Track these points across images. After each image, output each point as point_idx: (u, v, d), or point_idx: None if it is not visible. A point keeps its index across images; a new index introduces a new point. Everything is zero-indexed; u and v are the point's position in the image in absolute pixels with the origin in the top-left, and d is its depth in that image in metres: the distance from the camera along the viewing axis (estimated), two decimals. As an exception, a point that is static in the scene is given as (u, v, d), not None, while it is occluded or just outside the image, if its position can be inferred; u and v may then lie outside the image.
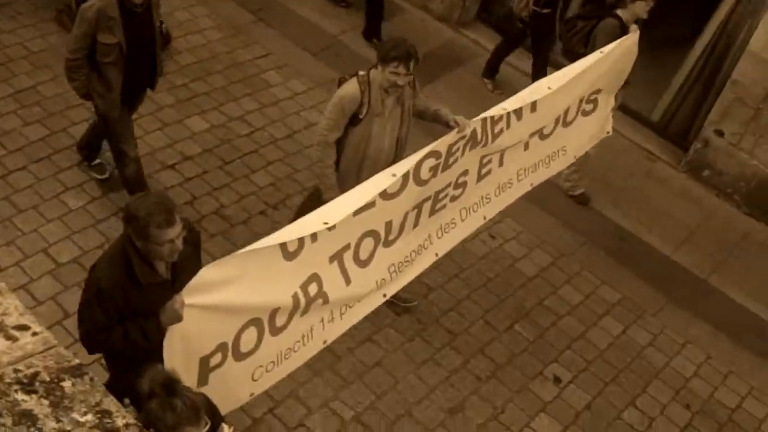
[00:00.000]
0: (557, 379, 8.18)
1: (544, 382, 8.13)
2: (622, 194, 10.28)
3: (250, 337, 5.63)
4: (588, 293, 9.05)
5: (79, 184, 8.54)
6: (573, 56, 9.26)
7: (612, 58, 8.18)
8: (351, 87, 7.03)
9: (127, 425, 3.59)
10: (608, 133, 8.92)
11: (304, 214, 7.37)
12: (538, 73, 10.63)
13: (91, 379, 3.77)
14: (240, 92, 10.01)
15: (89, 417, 3.60)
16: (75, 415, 3.59)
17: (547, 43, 10.78)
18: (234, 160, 9.18)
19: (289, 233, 5.61)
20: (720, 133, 10.49)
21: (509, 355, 8.24)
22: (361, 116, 7.04)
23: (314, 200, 7.29)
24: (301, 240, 5.60)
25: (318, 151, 7.22)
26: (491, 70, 11.24)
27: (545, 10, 10.34)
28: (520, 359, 8.23)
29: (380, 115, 7.09)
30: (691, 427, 8.18)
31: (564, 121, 8.08)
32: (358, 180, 6.72)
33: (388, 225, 6.62)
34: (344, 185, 6.88)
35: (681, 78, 10.99)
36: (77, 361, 3.83)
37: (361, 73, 7.07)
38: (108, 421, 3.61)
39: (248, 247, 5.33)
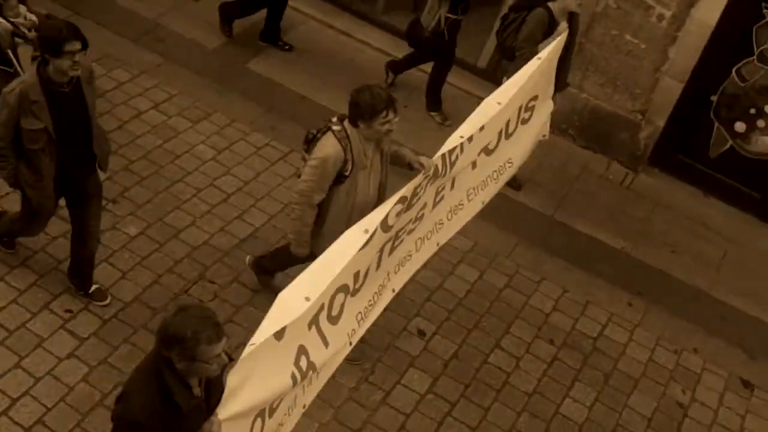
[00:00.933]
0: (421, 333, 8.22)
1: (410, 338, 8.16)
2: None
3: (256, 430, 5.38)
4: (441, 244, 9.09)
5: None
6: (505, 50, 9.34)
7: (547, 62, 8.23)
8: (332, 148, 6.69)
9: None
10: (544, 137, 8.98)
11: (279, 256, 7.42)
12: (441, 80, 10.67)
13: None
14: (63, 89, 9.70)
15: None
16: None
17: (453, 49, 10.57)
18: (66, 158, 8.90)
19: (276, 321, 5.29)
20: (548, 71, 10.66)
21: (371, 315, 8.23)
22: (346, 173, 6.77)
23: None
24: None
25: (299, 211, 6.91)
26: (435, 102, 10.85)
27: (461, 17, 10.18)
28: (383, 318, 8.14)
29: (364, 168, 6.83)
30: (557, 360, 8.34)
31: (506, 133, 7.97)
32: None
33: (357, 275, 6.41)
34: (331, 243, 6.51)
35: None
36: None
37: (335, 128, 6.73)
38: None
39: (251, 346, 5.04)
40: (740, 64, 10.21)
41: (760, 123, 10.38)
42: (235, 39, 11.10)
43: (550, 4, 8.91)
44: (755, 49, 10.07)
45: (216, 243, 8.56)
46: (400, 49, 11.05)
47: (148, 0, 11.32)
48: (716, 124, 10.54)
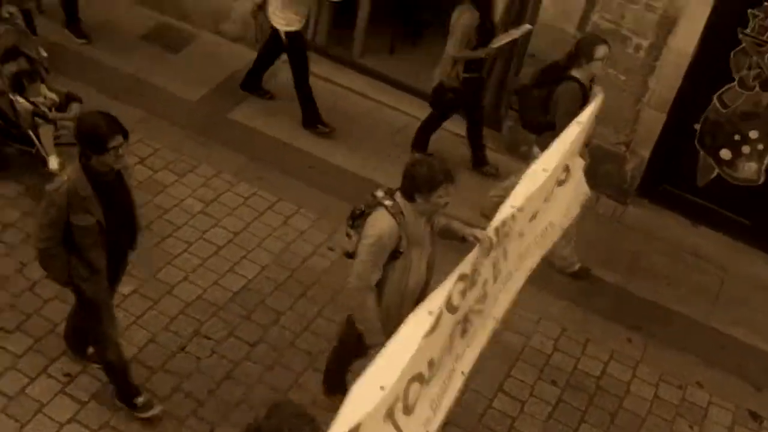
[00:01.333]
0: (423, 381, 8.12)
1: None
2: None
3: None
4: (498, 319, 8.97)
5: None
6: (532, 126, 9.15)
7: (587, 126, 8.11)
8: (386, 223, 6.39)
9: None
10: (587, 195, 8.80)
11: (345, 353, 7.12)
12: (478, 136, 10.75)
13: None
14: (47, 150, 9.60)
15: None
16: None
17: (480, 106, 10.69)
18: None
19: (351, 415, 4.98)
20: (527, 108, 10.62)
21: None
22: (401, 250, 6.48)
23: (351, 337, 6.97)
24: None
25: (360, 297, 6.57)
26: (422, 145, 10.75)
27: (474, 75, 10.18)
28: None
29: (419, 244, 6.61)
30: (562, 402, 8.27)
31: (546, 198, 7.82)
32: (401, 315, 6.15)
33: (431, 363, 6.12)
34: (387, 325, 6.36)
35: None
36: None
37: (387, 203, 6.43)
38: None
39: None
40: (721, 91, 10.22)
41: (745, 149, 10.38)
42: (216, 90, 11.08)
43: (575, 74, 8.69)
44: (735, 75, 10.09)
45: (210, 297, 8.49)
46: (381, 93, 11.05)
47: (127, 55, 11.31)
48: (702, 153, 10.54)
